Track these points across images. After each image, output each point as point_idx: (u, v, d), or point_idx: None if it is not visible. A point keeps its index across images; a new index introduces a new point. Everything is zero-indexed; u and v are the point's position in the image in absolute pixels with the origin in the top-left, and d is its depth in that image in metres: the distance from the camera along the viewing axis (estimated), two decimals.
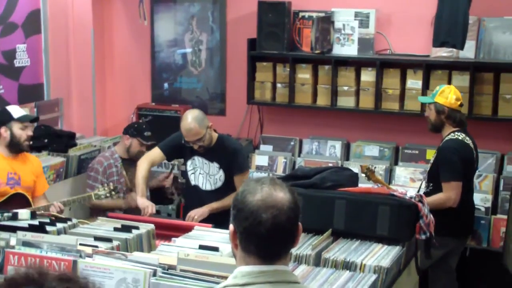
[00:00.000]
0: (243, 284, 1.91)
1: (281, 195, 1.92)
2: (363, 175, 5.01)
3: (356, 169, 4.95)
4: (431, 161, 4.85)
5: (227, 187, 4.88)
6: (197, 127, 4.76)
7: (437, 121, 4.80)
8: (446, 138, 4.75)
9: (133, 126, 5.69)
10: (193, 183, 5.01)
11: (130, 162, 5.68)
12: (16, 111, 4.82)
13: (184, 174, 6.00)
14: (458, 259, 4.88)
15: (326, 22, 5.85)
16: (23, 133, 4.77)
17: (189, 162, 5.00)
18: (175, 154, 5.11)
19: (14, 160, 4.82)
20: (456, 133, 4.73)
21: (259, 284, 1.91)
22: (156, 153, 5.02)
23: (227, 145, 4.97)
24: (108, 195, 5.02)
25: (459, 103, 4.78)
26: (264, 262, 1.92)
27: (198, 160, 4.96)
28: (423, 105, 5.63)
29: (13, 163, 4.81)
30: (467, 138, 4.73)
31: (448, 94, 4.76)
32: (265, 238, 1.90)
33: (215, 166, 4.92)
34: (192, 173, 5.00)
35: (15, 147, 4.77)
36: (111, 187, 5.02)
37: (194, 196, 5.01)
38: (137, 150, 5.58)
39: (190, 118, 4.78)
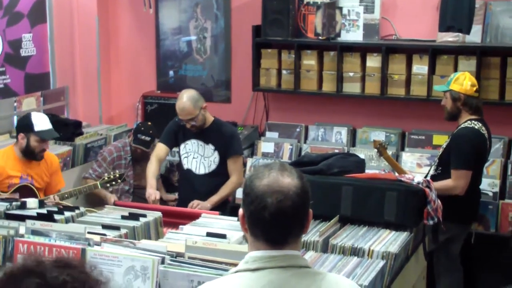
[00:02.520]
0: (254, 269, 1.92)
1: (288, 180, 1.92)
2: (375, 150, 5.02)
3: (362, 155, 4.96)
4: (443, 146, 4.84)
5: (220, 171, 4.93)
6: (190, 107, 4.83)
7: (454, 108, 4.77)
8: (462, 126, 4.72)
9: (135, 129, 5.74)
10: (185, 167, 5.05)
11: (138, 157, 5.72)
12: (38, 122, 4.80)
13: None
14: (461, 245, 4.88)
15: (331, 7, 5.82)
16: (38, 145, 4.81)
17: (182, 146, 5.04)
18: (174, 141, 5.13)
19: (28, 162, 4.84)
20: (473, 121, 4.70)
21: (270, 269, 1.91)
22: (159, 148, 5.10)
23: (224, 128, 5.04)
24: (113, 183, 5.05)
25: (474, 89, 4.75)
26: (273, 246, 1.93)
27: (192, 143, 5.00)
28: (429, 90, 5.63)
29: (27, 165, 4.85)
30: (483, 128, 4.70)
31: (463, 80, 4.73)
32: (269, 223, 1.90)
33: (210, 148, 4.96)
34: (185, 157, 5.04)
35: (28, 155, 4.83)
36: (117, 175, 5.05)
37: (188, 180, 5.07)
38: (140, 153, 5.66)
39: (185, 98, 4.86)
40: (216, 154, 4.96)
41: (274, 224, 1.91)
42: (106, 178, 5.06)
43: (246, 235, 2.00)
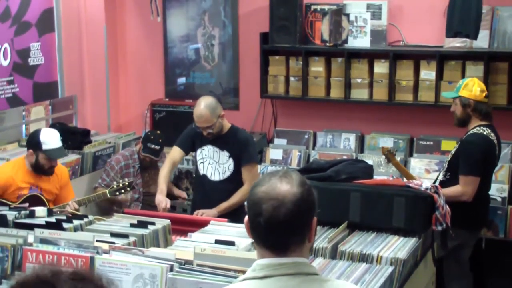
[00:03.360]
0: (262, 277, 1.91)
1: (286, 187, 1.90)
2: (383, 156, 5.01)
3: (370, 161, 4.95)
4: (452, 152, 4.82)
5: (235, 178, 4.90)
6: (208, 115, 4.80)
7: (464, 115, 4.75)
8: (471, 132, 4.70)
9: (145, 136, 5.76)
10: (201, 172, 5.04)
11: (146, 167, 5.73)
12: (48, 140, 4.78)
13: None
14: (471, 251, 4.86)
15: (337, 14, 5.83)
16: (47, 163, 4.81)
17: (198, 151, 5.03)
18: (191, 147, 5.12)
19: (38, 175, 4.86)
20: (482, 127, 4.68)
21: (278, 277, 1.91)
22: (174, 151, 5.07)
23: (239, 135, 5.00)
24: (123, 191, 5.05)
25: (484, 94, 4.74)
26: (276, 254, 1.92)
27: (208, 149, 4.98)
28: (437, 96, 5.62)
29: (37, 178, 4.86)
30: (492, 134, 4.68)
31: (472, 86, 4.72)
32: (264, 229, 1.90)
33: (225, 154, 4.94)
34: (201, 162, 5.02)
35: (37, 170, 4.84)
36: (126, 183, 5.06)
37: (202, 186, 5.05)
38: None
39: (203, 105, 4.82)
40: (231, 161, 4.95)
41: (269, 231, 1.90)
42: (115, 187, 5.07)
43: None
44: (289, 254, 1.92)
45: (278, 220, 1.88)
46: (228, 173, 4.95)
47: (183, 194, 5.81)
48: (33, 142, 4.79)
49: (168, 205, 4.79)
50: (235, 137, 4.97)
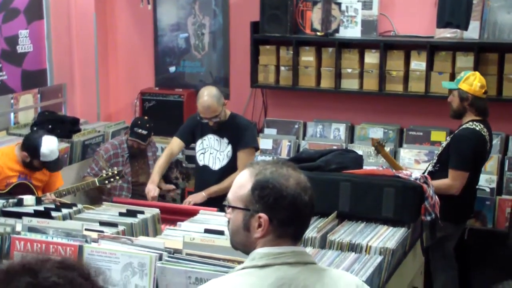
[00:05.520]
0: (261, 266, 1.91)
1: (304, 177, 1.99)
2: (373, 148, 5.02)
3: (360, 152, 4.96)
4: (443, 145, 4.82)
5: (233, 165, 4.89)
6: (215, 105, 4.81)
7: (460, 108, 4.74)
8: (464, 126, 4.70)
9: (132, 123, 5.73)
10: (201, 163, 5.02)
11: (135, 154, 5.71)
12: (47, 151, 4.78)
13: (188, 158, 6.01)
14: (455, 243, 4.89)
15: (328, 3, 5.80)
16: (40, 166, 4.85)
17: (199, 142, 5.02)
18: (191, 138, 5.10)
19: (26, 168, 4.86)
20: (475, 122, 4.67)
21: (278, 266, 1.91)
22: (174, 142, 5.07)
23: (238, 121, 5.03)
24: (112, 179, 5.05)
25: (483, 90, 4.72)
26: (296, 243, 1.97)
27: (209, 138, 4.97)
28: (427, 86, 5.62)
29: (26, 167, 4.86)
30: (485, 130, 4.68)
31: (473, 81, 4.70)
32: (305, 221, 2.00)
33: (224, 141, 4.95)
34: (202, 153, 5.01)
35: (28, 167, 4.84)
36: (115, 172, 5.05)
37: (203, 177, 5.03)
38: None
39: (207, 96, 4.82)
40: (229, 148, 4.94)
41: (307, 221, 2.00)
42: (104, 175, 5.06)
43: (249, 235, 1.97)
44: (298, 243, 1.99)
45: (313, 209, 1.98)
46: (226, 160, 4.94)
47: (171, 187, 5.80)
48: (32, 148, 4.78)
49: (156, 194, 4.77)
50: (235, 123, 4.98)
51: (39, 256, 1.50)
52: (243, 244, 2.00)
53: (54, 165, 4.89)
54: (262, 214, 1.92)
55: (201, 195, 4.83)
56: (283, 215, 1.92)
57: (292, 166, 1.99)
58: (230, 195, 2.01)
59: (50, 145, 4.83)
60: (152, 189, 4.76)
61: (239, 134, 4.93)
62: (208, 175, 4.98)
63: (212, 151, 4.98)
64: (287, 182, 1.92)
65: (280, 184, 1.91)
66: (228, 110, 5.03)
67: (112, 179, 5.06)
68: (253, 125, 5.37)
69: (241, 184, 1.98)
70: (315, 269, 1.97)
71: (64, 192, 4.89)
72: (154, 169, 4.98)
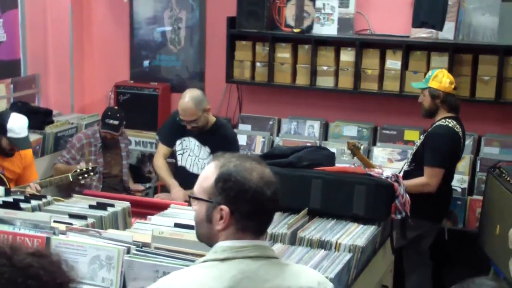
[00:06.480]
0: (223, 259, 1.92)
1: (270, 171, 1.98)
2: (349, 151, 5.03)
3: (333, 149, 4.97)
4: (417, 144, 4.85)
5: None
6: (193, 108, 4.72)
7: (432, 106, 4.77)
8: (437, 124, 4.73)
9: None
10: (179, 163, 4.98)
11: (108, 145, 5.68)
12: (15, 127, 4.69)
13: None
14: (431, 241, 4.92)
15: None
16: (8, 147, 4.73)
17: (178, 142, 4.96)
18: (174, 141, 5.03)
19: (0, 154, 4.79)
20: (447, 119, 4.71)
21: (240, 259, 1.92)
22: (161, 148, 5.05)
23: (222, 132, 4.93)
24: (86, 175, 4.99)
25: (453, 86, 4.76)
26: (259, 237, 1.97)
27: (189, 141, 4.91)
28: (402, 85, 5.65)
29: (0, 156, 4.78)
30: (458, 126, 4.71)
31: (441, 78, 4.73)
32: (268, 215, 1.99)
33: (206, 150, 4.87)
34: (180, 153, 4.96)
35: None
36: (90, 168, 5.00)
37: (180, 177, 4.98)
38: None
39: (188, 98, 4.74)
40: (211, 158, 4.90)
41: (271, 216, 1.99)
42: (78, 171, 4.99)
43: (212, 227, 1.97)
44: (260, 237, 1.98)
45: (277, 204, 1.98)
46: None
47: (140, 188, 5.78)
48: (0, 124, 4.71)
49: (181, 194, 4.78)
50: (218, 133, 4.89)
51: (12, 244, 1.51)
52: (206, 237, 2.01)
53: (22, 142, 4.76)
54: (223, 207, 1.93)
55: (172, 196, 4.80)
56: (245, 208, 1.92)
57: (257, 160, 1.99)
58: (195, 187, 2.04)
59: (17, 121, 4.76)
60: (180, 194, 4.77)
61: (222, 146, 4.85)
62: (184, 177, 4.93)
63: (191, 154, 4.93)
64: (250, 176, 1.92)
65: (243, 177, 1.92)
66: (213, 117, 4.94)
67: (86, 175, 5.00)
68: (236, 135, 5.29)
69: (206, 176, 2.00)
70: (276, 264, 1.98)
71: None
72: (161, 175, 4.99)
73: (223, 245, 1.94)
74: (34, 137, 5.64)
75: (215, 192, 1.95)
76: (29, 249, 1.51)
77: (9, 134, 4.66)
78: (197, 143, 4.89)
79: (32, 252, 1.50)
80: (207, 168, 2.02)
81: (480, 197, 5.30)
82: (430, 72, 4.85)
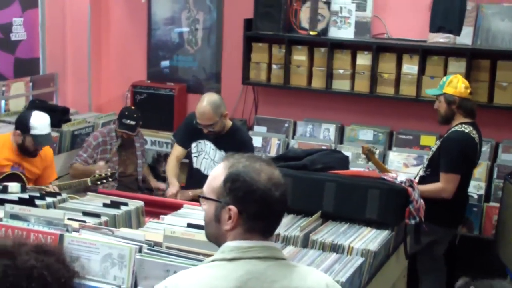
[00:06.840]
0: (230, 259, 1.93)
1: (279, 173, 1.99)
2: (363, 155, 5.00)
3: (349, 153, 4.96)
4: (433, 149, 4.81)
5: None
6: (210, 113, 4.69)
7: (448, 112, 4.71)
8: (453, 129, 4.68)
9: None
10: (194, 165, 4.97)
11: (123, 144, 5.70)
12: (37, 125, 4.73)
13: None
14: (445, 247, 4.89)
15: (315, 2, 5.80)
16: (32, 146, 4.78)
17: (193, 144, 4.94)
18: (189, 141, 5.02)
19: (22, 153, 4.82)
20: (464, 125, 4.66)
21: (247, 259, 1.92)
22: (177, 149, 5.02)
23: (238, 136, 4.91)
24: (104, 181, 5.01)
25: (468, 91, 4.71)
26: (266, 238, 1.98)
27: (205, 144, 4.90)
28: (418, 90, 5.63)
29: (21, 156, 4.82)
30: (474, 132, 4.66)
31: (456, 83, 4.69)
32: (276, 217, 2.00)
33: (221, 154, 4.85)
34: (195, 156, 4.95)
35: (23, 151, 4.80)
36: (109, 173, 5.02)
37: (195, 179, 4.96)
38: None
39: (206, 102, 4.70)
40: None
41: (280, 215, 2.00)
42: (97, 176, 5.01)
43: (220, 227, 1.98)
44: (270, 238, 1.99)
45: (285, 206, 1.99)
46: None
47: (162, 186, 5.78)
48: (23, 123, 4.74)
49: (174, 191, 4.78)
50: (234, 137, 4.86)
51: (15, 240, 1.51)
52: (215, 236, 2.02)
53: (45, 139, 4.80)
54: (232, 207, 1.94)
55: (187, 194, 4.80)
56: (252, 209, 1.92)
57: (267, 161, 2.00)
58: (205, 187, 2.04)
59: (40, 118, 4.80)
60: (172, 189, 4.79)
61: (237, 150, 4.83)
62: (199, 179, 4.90)
63: (206, 157, 4.91)
64: (258, 177, 1.93)
65: (251, 178, 1.93)
66: (230, 121, 4.92)
67: (104, 180, 5.02)
68: (251, 140, 5.26)
69: (215, 176, 2.01)
70: (284, 265, 1.98)
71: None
72: (168, 175, 4.97)
73: (230, 245, 1.95)
74: (51, 135, 5.67)
75: (224, 192, 1.96)
76: (33, 244, 1.51)
77: (32, 132, 4.70)
78: (212, 146, 4.88)
79: (35, 249, 1.49)
80: (216, 168, 2.03)
81: (497, 204, 5.25)
82: (444, 78, 4.80)
